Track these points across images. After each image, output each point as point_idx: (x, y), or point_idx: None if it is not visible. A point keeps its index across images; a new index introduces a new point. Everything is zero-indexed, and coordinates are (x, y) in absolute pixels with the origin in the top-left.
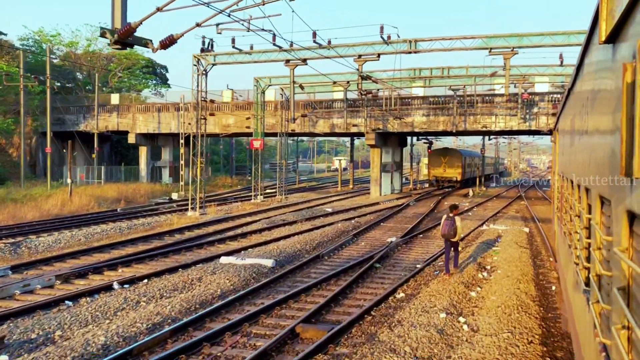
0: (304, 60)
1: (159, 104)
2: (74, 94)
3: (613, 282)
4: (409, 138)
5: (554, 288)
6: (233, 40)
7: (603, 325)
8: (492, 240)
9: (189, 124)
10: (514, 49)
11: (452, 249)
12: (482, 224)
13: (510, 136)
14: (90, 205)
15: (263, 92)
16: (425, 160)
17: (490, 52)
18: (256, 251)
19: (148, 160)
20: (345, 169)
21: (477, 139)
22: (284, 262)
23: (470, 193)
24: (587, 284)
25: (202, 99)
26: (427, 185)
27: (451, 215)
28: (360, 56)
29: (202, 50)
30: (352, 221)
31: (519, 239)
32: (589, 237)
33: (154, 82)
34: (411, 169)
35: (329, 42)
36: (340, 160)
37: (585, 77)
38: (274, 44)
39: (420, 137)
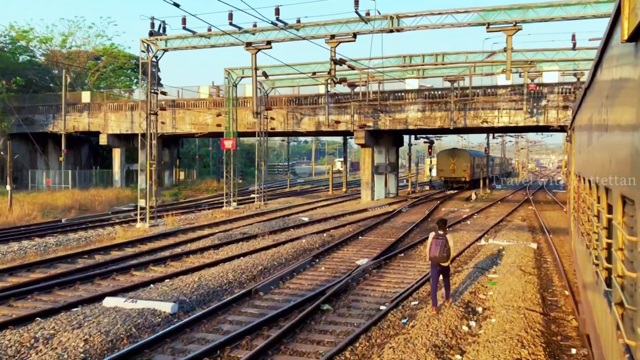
0: (268, 43)
1: (131, 101)
2: (51, 92)
3: (637, 283)
4: (405, 137)
5: (574, 352)
6: (184, 21)
7: (627, 327)
8: (489, 263)
9: (163, 122)
10: (517, 24)
11: (442, 275)
12: (480, 237)
13: (516, 134)
14: (33, 216)
15: (235, 86)
16: (428, 161)
17: (488, 28)
18: (168, 285)
19: (122, 163)
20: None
21: (483, 138)
22: (196, 303)
23: (473, 196)
24: (609, 284)
25: (153, 90)
26: (427, 187)
27: (441, 232)
28: (333, 37)
29: (152, 34)
30: (325, 235)
31: (525, 259)
32: (609, 238)
33: (144, 81)
34: (409, 170)
35: (298, 21)
36: (341, 161)
37: (605, 75)
38: (232, 24)
39: (418, 136)
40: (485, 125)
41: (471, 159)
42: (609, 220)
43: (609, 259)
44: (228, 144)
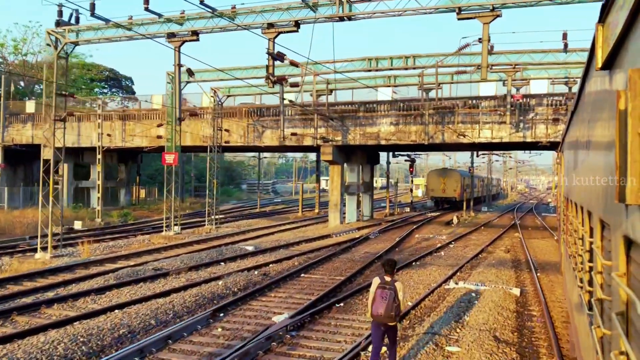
0: (194, 33)
1: (78, 111)
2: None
3: (612, 307)
4: (384, 154)
5: None
6: (92, 6)
7: (605, 350)
8: (453, 322)
9: (109, 135)
10: (495, 9)
11: (387, 337)
12: (450, 277)
13: (503, 152)
14: None
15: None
16: (416, 180)
17: (459, 14)
18: None
19: (70, 180)
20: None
21: (472, 156)
22: None
23: (455, 220)
24: (590, 308)
25: (59, 92)
26: (407, 209)
27: (388, 279)
28: (271, 25)
29: (58, 23)
30: (257, 272)
31: (502, 317)
32: (590, 261)
33: (114, 93)
34: (387, 191)
35: (233, 7)
36: (327, 180)
37: (586, 102)
38: (148, 9)
39: (396, 153)
40: (464, 140)
41: (461, 178)
42: (590, 244)
43: (590, 282)
44: (169, 158)
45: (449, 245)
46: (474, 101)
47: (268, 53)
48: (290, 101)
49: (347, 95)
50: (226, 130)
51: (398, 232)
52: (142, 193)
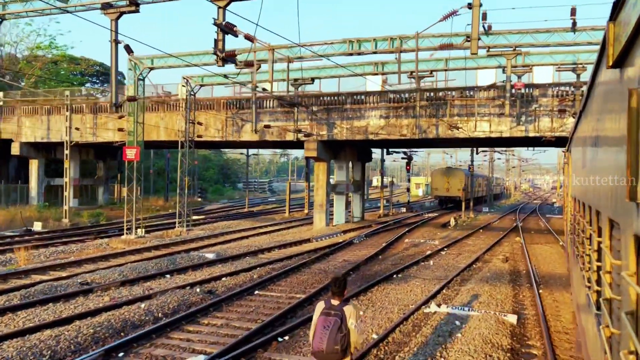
0: (133, 3)
1: (48, 104)
2: None
3: (622, 307)
4: (378, 150)
5: None
6: None
7: (613, 351)
8: None
9: (77, 129)
10: None
11: None
12: (432, 297)
13: (505, 150)
14: None
15: (143, 79)
16: (416, 179)
17: None
18: None
19: (41, 177)
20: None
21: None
22: None
23: (452, 222)
24: (598, 307)
25: None
26: (404, 210)
27: (335, 303)
28: None
29: None
30: (201, 288)
31: None
32: (598, 260)
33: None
34: (382, 190)
35: None
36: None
37: (595, 100)
38: None
39: (389, 150)
40: (460, 134)
41: (465, 178)
42: (599, 243)
43: (598, 281)
44: (131, 153)
45: (441, 252)
46: (470, 92)
47: (216, 24)
48: (264, 89)
49: (333, 86)
50: (199, 123)
51: (387, 235)
52: (125, 191)
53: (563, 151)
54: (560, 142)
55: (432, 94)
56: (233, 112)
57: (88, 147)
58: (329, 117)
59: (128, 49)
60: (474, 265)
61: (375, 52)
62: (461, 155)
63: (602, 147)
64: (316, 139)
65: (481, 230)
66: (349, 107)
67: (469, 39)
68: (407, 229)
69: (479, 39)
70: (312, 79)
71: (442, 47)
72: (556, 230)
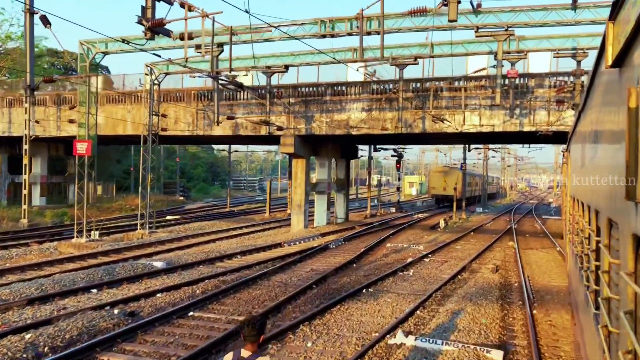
0: None
1: (10, 95)
2: None
3: (620, 306)
4: (363, 147)
5: None
6: None
7: (612, 350)
8: None
9: (37, 122)
10: None
11: None
12: (401, 322)
13: (500, 147)
14: None
15: (97, 66)
16: (409, 178)
17: None
18: None
19: (4, 174)
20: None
21: (470, 154)
22: None
23: (442, 224)
24: (597, 307)
25: None
26: (393, 209)
27: (246, 355)
28: None
29: None
30: (119, 309)
31: None
32: (597, 260)
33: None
34: (369, 189)
35: None
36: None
37: (595, 100)
38: None
39: (377, 147)
40: (448, 129)
41: (463, 177)
42: (597, 243)
43: (597, 281)
44: (82, 147)
45: (424, 259)
46: (459, 82)
47: None
48: (233, 80)
49: (313, 76)
50: (164, 115)
51: (369, 239)
52: (100, 190)
53: (562, 151)
54: (557, 137)
55: (418, 84)
56: (204, 104)
57: (58, 142)
58: (307, 109)
59: (44, 20)
60: (460, 276)
61: (350, 34)
62: (455, 154)
63: (601, 147)
64: (293, 134)
65: (472, 233)
66: (329, 99)
67: (446, 2)
68: (392, 232)
69: (459, 1)
70: (286, 66)
71: (413, 13)
72: (553, 234)
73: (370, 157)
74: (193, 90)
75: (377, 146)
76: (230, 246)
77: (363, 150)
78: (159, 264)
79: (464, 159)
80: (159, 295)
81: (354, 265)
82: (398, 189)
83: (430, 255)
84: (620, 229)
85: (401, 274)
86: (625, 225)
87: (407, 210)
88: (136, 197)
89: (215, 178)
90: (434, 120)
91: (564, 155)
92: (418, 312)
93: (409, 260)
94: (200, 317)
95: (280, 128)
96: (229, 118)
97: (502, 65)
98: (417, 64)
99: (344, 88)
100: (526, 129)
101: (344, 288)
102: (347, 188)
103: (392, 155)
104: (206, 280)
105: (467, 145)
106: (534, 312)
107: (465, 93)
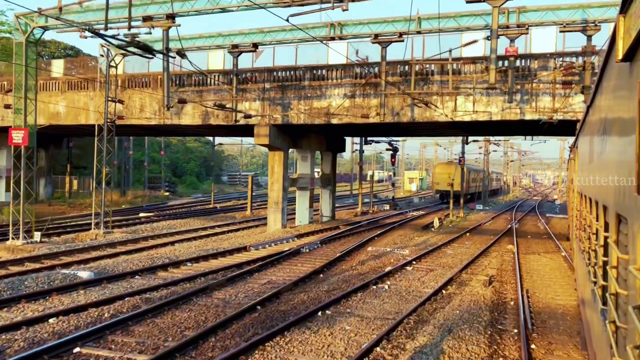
0: None
1: None
2: None
3: (629, 301)
4: (351, 139)
5: None
6: None
7: (620, 345)
8: None
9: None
10: None
11: None
12: None
13: (501, 138)
14: None
15: (35, 42)
16: (410, 173)
17: None
18: None
19: None
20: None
21: (471, 148)
22: None
23: (436, 223)
24: (604, 302)
25: None
26: (387, 207)
27: None
28: None
29: None
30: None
31: None
32: (605, 255)
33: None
34: (360, 184)
35: None
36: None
37: (604, 94)
38: None
39: (368, 139)
40: (440, 118)
41: (467, 173)
42: (605, 238)
43: (604, 276)
44: (17, 137)
45: (407, 267)
46: (457, 65)
47: None
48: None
49: (290, 59)
50: (120, 102)
51: (351, 240)
52: (75, 184)
53: (569, 146)
54: (563, 128)
55: (406, 66)
56: (172, 90)
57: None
58: (284, 96)
59: None
60: (445, 291)
61: (320, 9)
62: (457, 149)
63: (610, 142)
64: (269, 123)
65: (468, 234)
66: (308, 84)
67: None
68: (379, 232)
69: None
70: (255, 45)
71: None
72: (557, 234)
73: (361, 151)
74: (160, 74)
75: (369, 139)
76: (187, 250)
77: (357, 143)
78: (84, 275)
79: (463, 152)
80: (51, 320)
81: (321, 275)
82: (393, 184)
83: (414, 262)
84: (629, 224)
85: (374, 287)
86: (635, 220)
87: (402, 207)
88: (116, 192)
89: (210, 172)
90: (417, 104)
91: (571, 150)
92: (378, 348)
93: (388, 268)
94: (88, 355)
95: (248, 116)
96: (180, 101)
97: (498, 37)
98: (402, 40)
99: (324, 72)
100: (528, 117)
101: (296, 309)
102: (333, 184)
103: (387, 149)
104: (127, 298)
105: (464, 138)
106: (533, 346)
107: (455, 77)
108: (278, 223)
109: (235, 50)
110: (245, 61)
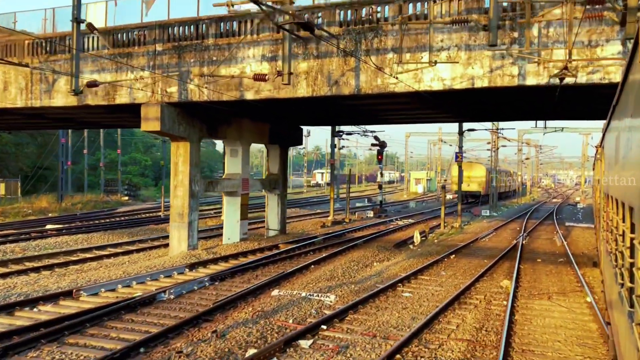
0: None
1: None
2: None
3: None
4: (309, 128)
5: None
6: None
7: None
8: None
9: None
10: None
11: None
12: None
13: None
14: None
15: None
16: (416, 174)
17: None
18: None
19: None
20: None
21: (461, 135)
22: None
23: (416, 238)
24: (631, 304)
25: None
26: (370, 214)
27: None
28: None
29: None
30: None
31: None
32: (631, 257)
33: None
34: (332, 188)
35: None
36: (322, 173)
37: (629, 94)
38: None
39: (339, 131)
40: (398, 88)
41: (487, 172)
42: (631, 240)
43: (631, 278)
44: None
45: (307, 337)
46: (421, 4)
47: None
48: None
49: (191, 7)
50: None
51: (267, 272)
52: (2, 188)
53: (595, 146)
54: (585, 102)
55: (350, 12)
56: (41, 60)
57: None
58: (181, 61)
59: None
60: None
61: None
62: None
63: (638, 143)
64: (160, 101)
65: (452, 257)
66: (212, 43)
67: None
68: (326, 254)
69: None
70: None
71: None
72: (579, 255)
73: (333, 146)
74: (27, 38)
75: (339, 130)
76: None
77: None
78: None
79: (460, 146)
80: None
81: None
82: (380, 186)
83: (324, 327)
84: None
85: None
86: None
87: (390, 214)
88: (49, 197)
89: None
90: (364, 68)
91: (596, 150)
92: None
93: (264, 347)
94: None
95: (91, 84)
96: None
97: None
98: None
99: (234, 24)
100: (530, 81)
101: None
102: (282, 186)
103: (373, 144)
104: None
105: (460, 127)
106: None
107: (420, 23)
108: (183, 243)
109: None
110: (134, 15)
